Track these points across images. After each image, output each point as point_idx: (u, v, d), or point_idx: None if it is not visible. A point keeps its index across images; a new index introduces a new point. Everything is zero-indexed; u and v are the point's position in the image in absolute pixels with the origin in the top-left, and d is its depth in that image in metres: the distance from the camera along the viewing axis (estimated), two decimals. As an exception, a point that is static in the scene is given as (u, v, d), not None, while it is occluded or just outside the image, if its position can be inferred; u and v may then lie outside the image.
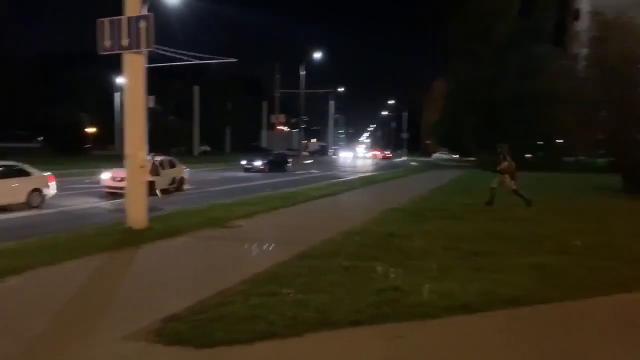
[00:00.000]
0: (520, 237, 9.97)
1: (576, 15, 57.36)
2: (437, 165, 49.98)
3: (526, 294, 6.10)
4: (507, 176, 14.20)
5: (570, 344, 4.89)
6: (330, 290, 6.11)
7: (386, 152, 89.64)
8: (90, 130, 59.84)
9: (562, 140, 36.37)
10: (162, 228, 10.33)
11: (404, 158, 78.24)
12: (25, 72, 57.04)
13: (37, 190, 15.01)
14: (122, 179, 17.73)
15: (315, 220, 12.58)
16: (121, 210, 11.40)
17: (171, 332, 4.82)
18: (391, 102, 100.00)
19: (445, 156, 78.68)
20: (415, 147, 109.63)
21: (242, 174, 32.76)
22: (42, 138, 57.41)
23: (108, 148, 60.04)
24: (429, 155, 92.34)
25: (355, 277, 6.80)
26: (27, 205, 14.57)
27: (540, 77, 36.43)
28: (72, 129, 53.92)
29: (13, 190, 14.45)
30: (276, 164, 35.63)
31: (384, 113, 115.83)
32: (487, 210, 14.32)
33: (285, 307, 5.49)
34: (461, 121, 50.22)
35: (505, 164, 14.41)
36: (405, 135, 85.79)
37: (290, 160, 39.15)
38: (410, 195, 18.47)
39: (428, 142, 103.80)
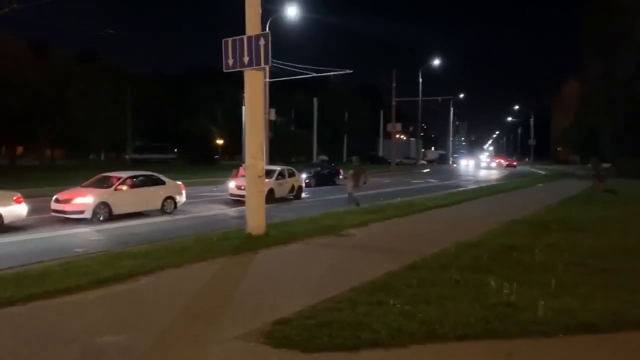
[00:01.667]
0: (658, 253, 8.98)
1: None
2: (568, 174, 46.48)
3: (661, 317, 5.50)
4: (351, 180, 17.76)
5: None
6: (439, 303, 5.99)
7: (510, 159, 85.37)
8: (220, 142, 63.97)
9: None
10: (278, 234, 10.81)
11: (529, 167, 73.72)
12: (170, 88, 62.61)
13: (171, 198, 16.39)
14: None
15: (430, 230, 12.35)
16: (243, 217, 12.08)
17: (280, 335, 5.03)
18: (517, 107, 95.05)
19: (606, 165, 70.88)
20: (544, 154, 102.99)
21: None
22: (176, 150, 62.47)
23: (236, 158, 63.88)
24: (561, 162, 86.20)
25: (466, 290, 6.59)
26: (161, 211, 15.97)
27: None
28: (203, 141, 58.03)
29: (150, 197, 15.95)
30: (324, 177, 31.09)
31: (509, 119, 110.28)
32: (621, 223, 13.09)
33: (391, 317, 5.48)
34: (597, 126, 46.38)
35: (351, 172, 18.06)
36: (532, 142, 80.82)
37: (342, 171, 32.51)
38: (535, 206, 17.43)
39: (559, 149, 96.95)
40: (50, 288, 6.53)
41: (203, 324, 5.50)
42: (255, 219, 11.01)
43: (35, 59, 39.02)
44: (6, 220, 12.51)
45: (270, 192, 18.83)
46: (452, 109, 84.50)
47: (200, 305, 6.18)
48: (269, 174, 18.91)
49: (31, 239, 11.78)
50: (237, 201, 18.69)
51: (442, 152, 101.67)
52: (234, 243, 9.88)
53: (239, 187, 18.97)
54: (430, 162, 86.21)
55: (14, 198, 12.98)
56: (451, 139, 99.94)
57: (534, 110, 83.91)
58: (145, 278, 7.29)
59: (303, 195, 22.15)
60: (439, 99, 59.96)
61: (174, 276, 7.50)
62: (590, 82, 49.21)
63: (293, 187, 21.43)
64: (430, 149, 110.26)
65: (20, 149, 51.00)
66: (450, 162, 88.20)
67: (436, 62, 56.69)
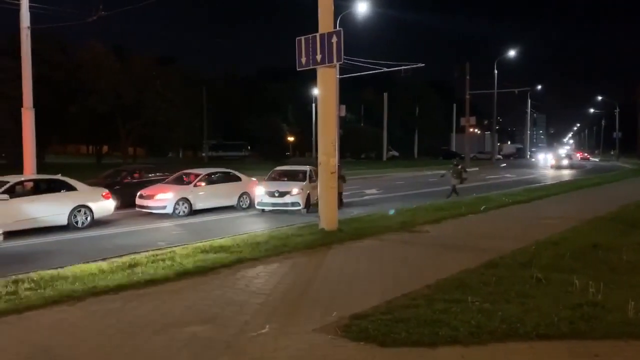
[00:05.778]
0: None
1: None
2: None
3: None
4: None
5: None
6: (520, 302, 5.85)
7: (585, 153, 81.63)
8: (291, 139, 65.10)
9: None
10: (351, 230, 10.89)
11: (613, 161, 69.40)
12: (241, 89, 64.63)
13: (246, 194, 16.81)
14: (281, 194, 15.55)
15: (507, 227, 11.98)
16: (316, 213, 12.23)
17: (357, 329, 5.10)
18: (600, 98, 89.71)
19: None
20: (631, 148, 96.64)
21: (432, 179, 32.44)
22: (249, 147, 64.25)
23: (307, 155, 64.81)
24: None
25: (548, 289, 6.37)
26: (237, 206, 16.42)
27: None
28: (274, 139, 59.32)
29: (227, 193, 16.47)
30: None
31: (592, 111, 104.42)
32: None
33: (469, 314, 5.40)
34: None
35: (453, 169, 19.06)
36: (617, 135, 75.95)
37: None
38: (621, 202, 16.46)
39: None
40: (139, 279, 6.96)
41: (281, 316, 5.66)
42: (328, 215, 11.14)
43: (117, 63, 41.38)
44: (96, 215, 13.36)
45: (309, 196, 15.90)
46: (529, 101, 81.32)
47: (278, 298, 6.35)
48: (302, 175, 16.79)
49: (118, 233, 12.54)
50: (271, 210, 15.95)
51: (519, 145, 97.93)
52: (307, 238, 10.06)
53: (271, 194, 15.67)
54: (506, 156, 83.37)
55: (103, 194, 13.85)
56: (528, 132, 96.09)
57: (619, 101, 78.97)
58: (225, 270, 7.59)
59: (373, 191, 21.95)
60: (516, 90, 57.72)
61: (252, 270, 7.75)
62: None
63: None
64: (507, 143, 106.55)
65: (105, 148, 54.18)
66: (528, 156, 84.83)
67: (512, 53, 54.54)
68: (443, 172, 21.30)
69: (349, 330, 5.06)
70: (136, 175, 17.69)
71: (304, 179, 16.39)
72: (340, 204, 15.40)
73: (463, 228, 11.85)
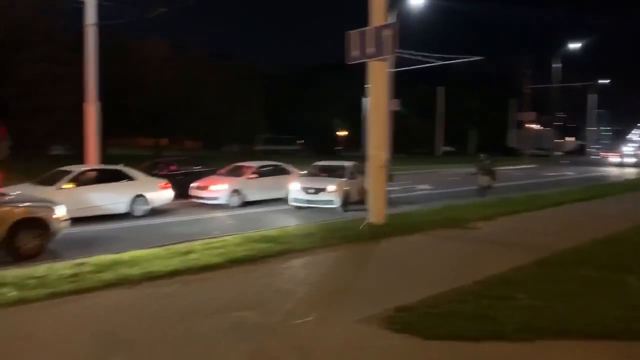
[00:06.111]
0: None
1: None
2: None
3: None
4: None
5: None
6: (571, 301, 5.71)
7: None
8: (342, 133, 65.08)
9: None
10: (399, 225, 10.83)
11: None
12: (294, 82, 65.20)
13: (296, 187, 16.97)
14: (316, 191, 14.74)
15: (563, 226, 11.61)
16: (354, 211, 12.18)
17: (401, 321, 5.12)
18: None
19: None
20: None
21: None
22: (302, 141, 64.72)
23: (360, 150, 64.56)
24: None
25: (603, 289, 6.19)
26: (286, 199, 16.57)
27: None
28: (325, 133, 59.50)
29: (278, 186, 16.69)
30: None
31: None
32: None
33: (517, 311, 5.34)
34: None
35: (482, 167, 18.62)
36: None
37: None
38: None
39: None
40: (192, 265, 7.22)
41: (326, 306, 5.75)
42: (377, 209, 11.13)
43: (173, 59, 42.56)
44: (154, 204, 13.90)
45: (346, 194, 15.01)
46: (591, 96, 77.85)
47: (324, 288, 6.46)
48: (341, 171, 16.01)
49: (175, 222, 12.98)
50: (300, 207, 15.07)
51: (581, 142, 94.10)
52: (355, 231, 10.09)
53: (305, 190, 14.90)
54: (568, 153, 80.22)
55: (160, 184, 14.37)
56: (593, 128, 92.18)
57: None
58: (274, 260, 7.76)
59: (423, 186, 21.65)
60: (578, 84, 55.38)
61: (300, 260, 7.90)
62: None
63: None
64: (566, 139, 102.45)
65: (164, 141, 55.94)
66: (591, 154, 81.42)
67: (575, 45, 52.19)
68: (473, 170, 19.44)
69: (393, 322, 5.09)
70: (172, 167, 18.17)
71: (342, 176, 15.51)
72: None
73: (517, 225, 11.59)
